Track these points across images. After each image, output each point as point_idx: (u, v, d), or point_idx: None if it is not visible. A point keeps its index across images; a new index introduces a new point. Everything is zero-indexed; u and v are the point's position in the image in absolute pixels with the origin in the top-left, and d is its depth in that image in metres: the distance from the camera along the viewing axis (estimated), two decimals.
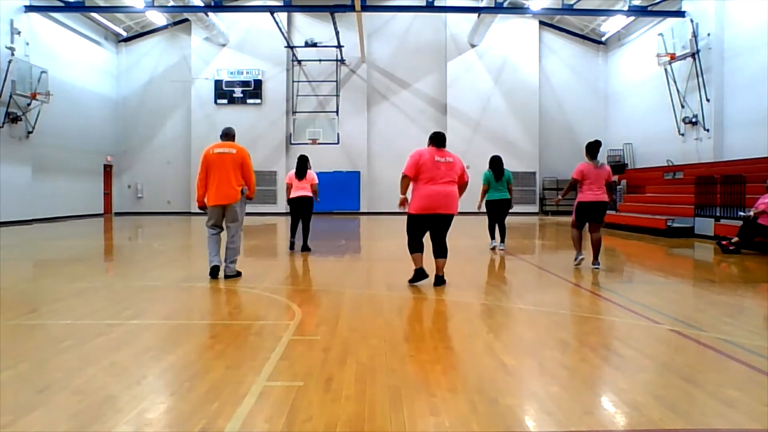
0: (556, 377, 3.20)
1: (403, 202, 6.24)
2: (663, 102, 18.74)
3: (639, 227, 14.21)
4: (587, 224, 7.71)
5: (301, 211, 9.60)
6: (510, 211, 10.01)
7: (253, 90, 24.24)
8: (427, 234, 6.21)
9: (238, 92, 24.22)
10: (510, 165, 26.58)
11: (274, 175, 24.23)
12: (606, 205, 7.56)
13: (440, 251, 6.15)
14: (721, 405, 2.78)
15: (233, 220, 6.79)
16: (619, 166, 21.27)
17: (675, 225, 13.04)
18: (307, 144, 23.35)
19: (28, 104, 17.82)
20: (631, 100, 22.32)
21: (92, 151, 22.78)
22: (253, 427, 2.51)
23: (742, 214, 10.15)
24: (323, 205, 24.36)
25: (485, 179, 9.85)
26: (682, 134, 17.87)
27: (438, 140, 6.09)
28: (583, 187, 7.49)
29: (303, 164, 9.57)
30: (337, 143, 22.99)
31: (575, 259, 7.80)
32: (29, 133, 18.14)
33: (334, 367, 3.35)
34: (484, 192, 9.90)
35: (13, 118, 17.20)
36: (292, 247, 9.79)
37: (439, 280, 6.22)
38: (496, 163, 9.80)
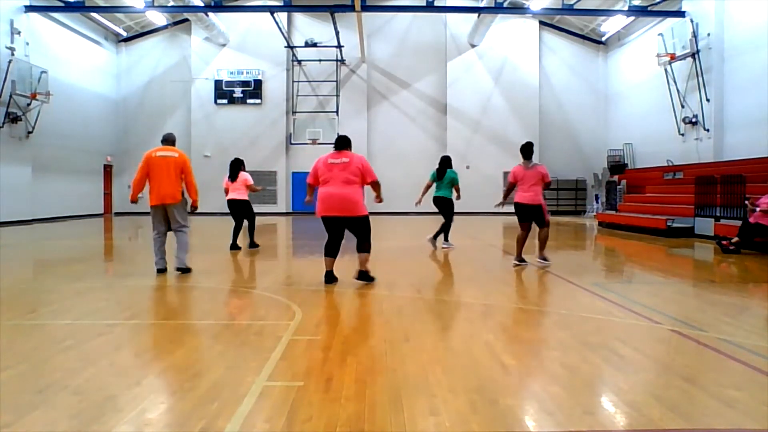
0: (556, 377, 3.20)
1: (308, 204, 6.58)
2: (663, 102, 18.73)
3: (639, 227, 14.20)
4: (533, 225, 7.88)
5: (237, 212, 9.90)
6: (454, 211, 10.25)
7: (253, 90, 24.24)
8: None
9: (238, 92, 24.23)
10: (510, 165, 26.54)
11: (274, 175, 24.23)
12: (537, 207, 7.66)
13: (360, 247, 6.22)
14: (721, 405, 2.78)
15: (178, 225, 7.01)
16: (619, 166, 21.26)
17: (675, 225, 13.02)
18: (307, 144, 23.37)
19: (28, 104, 17.83)
20: (631, 100, 22.31)
21: (92, 151, 22.79)
22: (253, 427, 2.51)
23: (747, 202, 10.18)
24: None
25: (431, 177, 10.25)
26: (682, 134, 17.87)
27: (337, 143, 6.24)
28: (516, 189, 7.81)
29: (235, 167, 9.95)
30: None
31: (515, 260, 7.98)
32: (29, 133, 18.15)
33: (334, 367, 3.35)
34: (426, 188, 10.31)
35: (13, 118, 17.21)
36: (232, 247, 9.83)
37: (362, 275, 6.29)
38: (441, 162, 10.22)
